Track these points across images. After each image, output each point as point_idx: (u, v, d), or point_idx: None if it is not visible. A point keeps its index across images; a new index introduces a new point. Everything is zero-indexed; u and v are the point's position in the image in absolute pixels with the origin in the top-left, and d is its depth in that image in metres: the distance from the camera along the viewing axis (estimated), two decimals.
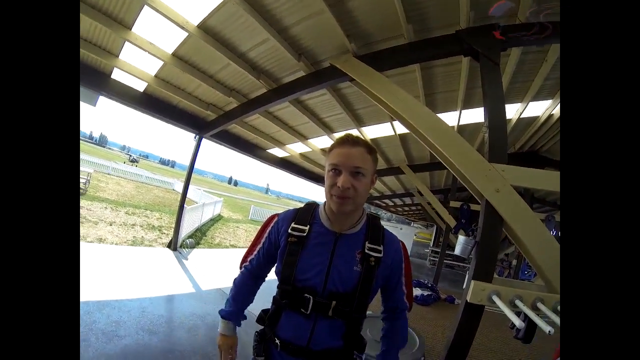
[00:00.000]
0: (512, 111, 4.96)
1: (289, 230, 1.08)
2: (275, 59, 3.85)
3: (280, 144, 7.36)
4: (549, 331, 1.87)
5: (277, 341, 1.05)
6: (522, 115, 5.05)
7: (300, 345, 1.02)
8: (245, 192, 77.61)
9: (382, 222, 1.16)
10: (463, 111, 4.90)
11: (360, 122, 5.56)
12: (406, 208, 17.14)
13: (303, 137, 6.68)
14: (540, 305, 2.29)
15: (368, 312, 1.09)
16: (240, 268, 1.26)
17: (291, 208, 1.20)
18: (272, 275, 1.25)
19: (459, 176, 2.59)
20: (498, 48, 2.72)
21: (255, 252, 1.21)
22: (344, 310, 1.00)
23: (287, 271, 1.04)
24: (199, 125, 6.20)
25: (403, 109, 2.88)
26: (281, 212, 1.20)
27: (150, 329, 3.12)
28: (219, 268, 6.32)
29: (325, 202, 1.09)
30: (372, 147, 1.05)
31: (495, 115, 2.64)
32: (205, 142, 6.59)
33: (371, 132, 6.08)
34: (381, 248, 1.05)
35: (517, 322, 2.09)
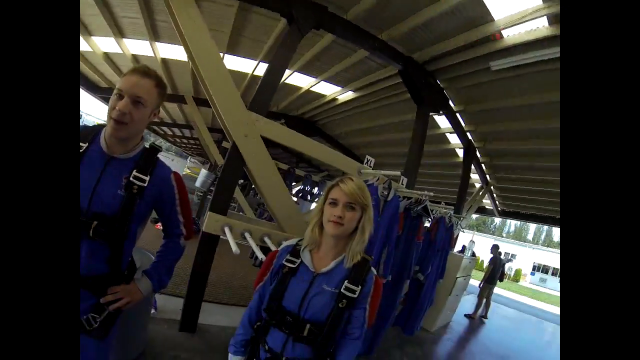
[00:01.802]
0: (306, 82, 5.51)
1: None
2: None
3: None
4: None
5: None
6: (312, 89, 5.72)
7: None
8: None
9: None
10: (261, 63, 5.03)
11: (156, 36, 4.71)
12: (185, 140, 16.22)
13: (86, 33, 5.00)
14: (266, 239, 2.78)
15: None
16: None
17: None
18: None
19: (217, 115, 2.68)
20: (311, 25, 2.95)
21: None
22: (103, 231, 1.01)
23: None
24: None
25: (188, 33, 2.66)
26: None
27: None
28: None
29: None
30: (163, 83, 1.10)
31: (273, 72, 2.88)
32: None
33: (165, 51, 5.25)
34: (147, 178, 1.09)
35: (234, 248, 2.41)
